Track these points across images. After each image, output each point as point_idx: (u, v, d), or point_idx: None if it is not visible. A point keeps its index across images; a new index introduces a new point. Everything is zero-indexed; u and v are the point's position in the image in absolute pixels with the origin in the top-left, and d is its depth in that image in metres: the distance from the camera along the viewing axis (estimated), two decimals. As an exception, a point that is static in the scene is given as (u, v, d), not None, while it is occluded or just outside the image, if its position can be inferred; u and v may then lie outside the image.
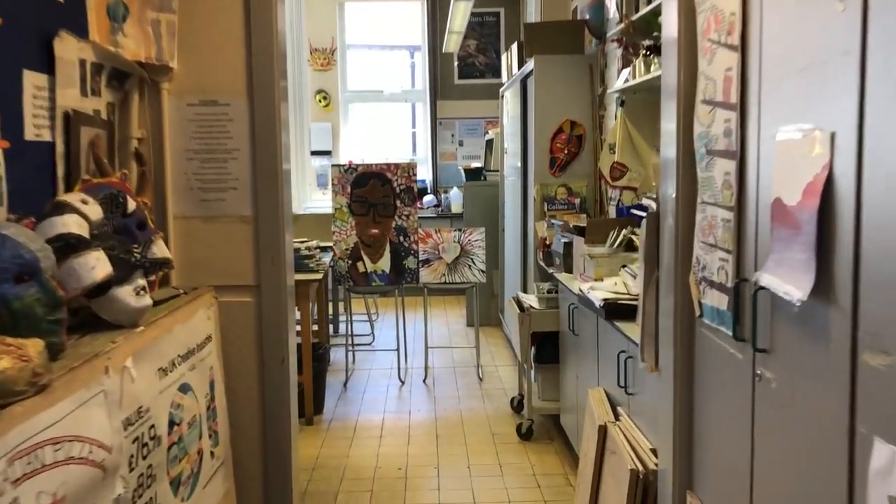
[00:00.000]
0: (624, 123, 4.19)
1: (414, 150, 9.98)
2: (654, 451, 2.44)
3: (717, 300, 1.87)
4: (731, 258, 1.79)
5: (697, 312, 2.00)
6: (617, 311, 2.94)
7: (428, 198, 9.20)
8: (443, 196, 9.21)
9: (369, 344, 6.68)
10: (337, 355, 6.18)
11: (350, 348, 5.96)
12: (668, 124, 2.16)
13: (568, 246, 4.12)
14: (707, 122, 1.94)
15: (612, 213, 4.49)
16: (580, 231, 3.99)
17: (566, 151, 4.86)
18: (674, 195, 2.11)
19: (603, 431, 2.86)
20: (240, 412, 2.88)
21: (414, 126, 10.00)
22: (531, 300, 4.45)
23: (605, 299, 2.97)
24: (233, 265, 2.90)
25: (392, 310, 6.01)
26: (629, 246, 3.74)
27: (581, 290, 3.32)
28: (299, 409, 4.72)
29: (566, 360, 4.10)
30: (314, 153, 9.38)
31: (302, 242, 4.75)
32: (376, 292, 5.88)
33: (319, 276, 4.63)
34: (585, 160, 4.92)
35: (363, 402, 5.13)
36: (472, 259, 5.77)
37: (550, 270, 4.35)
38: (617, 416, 2.92)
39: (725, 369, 1.87)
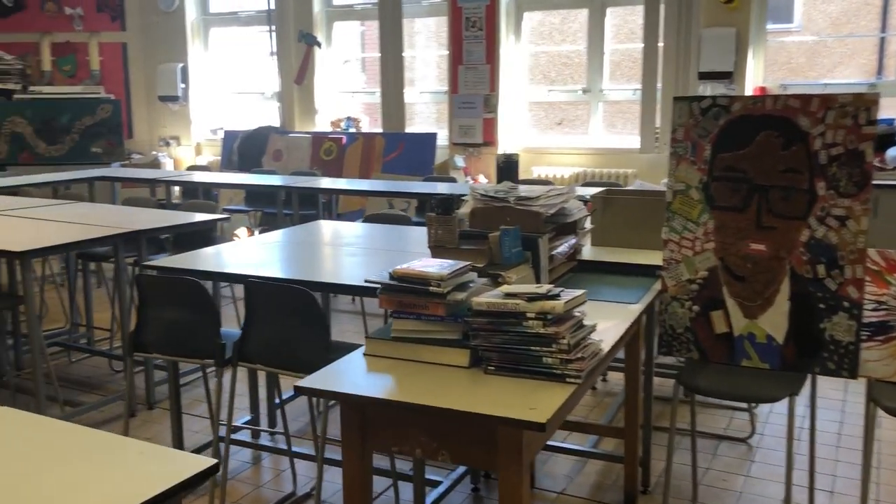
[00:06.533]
0: None
1: (879, 72, 6.16)
2: None
3: None
4: None
5: None
6: None
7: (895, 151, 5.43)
8: (925, 150, 5.34)
9: (744, 440, 3.53)
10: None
11: None
12: None
13: None
14: None
15: None
16: None
17: None
18: None
19: None
20: None
21: (884, 30, 6.13)
22: None
23: None
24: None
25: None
26: None
27: None
28: None
29: None
30: (704, 76, 6.11)
31: (530, 300, 1.84)
32: (745, 400, 2.74)
33: (561, 400, 1.72)
34: None
35: None
36: None
37: None
38: None
39: None
